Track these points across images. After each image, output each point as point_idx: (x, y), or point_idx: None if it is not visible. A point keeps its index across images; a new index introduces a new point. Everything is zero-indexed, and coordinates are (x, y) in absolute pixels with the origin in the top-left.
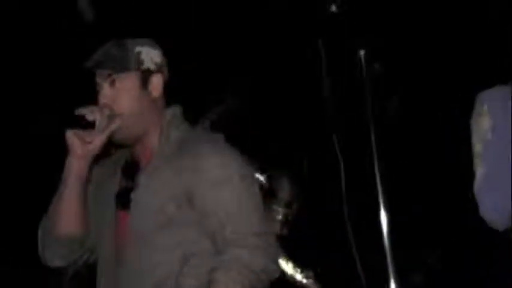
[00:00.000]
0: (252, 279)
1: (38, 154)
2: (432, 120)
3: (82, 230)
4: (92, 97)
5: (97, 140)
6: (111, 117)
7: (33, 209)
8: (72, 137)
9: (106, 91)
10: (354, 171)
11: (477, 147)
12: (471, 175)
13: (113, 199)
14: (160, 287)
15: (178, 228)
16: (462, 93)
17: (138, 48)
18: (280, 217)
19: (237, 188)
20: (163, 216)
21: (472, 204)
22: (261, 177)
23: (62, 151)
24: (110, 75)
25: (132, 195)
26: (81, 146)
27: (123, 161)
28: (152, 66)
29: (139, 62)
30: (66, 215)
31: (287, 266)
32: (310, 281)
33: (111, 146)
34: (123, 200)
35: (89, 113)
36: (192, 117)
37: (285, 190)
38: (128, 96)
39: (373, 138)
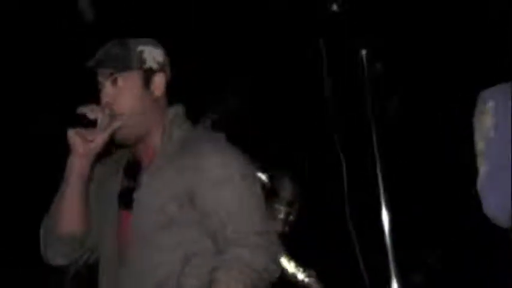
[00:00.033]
0: (254, 278)
1: (38, 154)
2: (433, 120)
3: (84, 229)
4: (92, 97)
5: (99, 139)
6: (113, 115)
7: (32, 209)
8: (74, 135)
9: (108, 90)
10: (356, 171)
11: (480, 145)
12: (472, 174)
13: (115, 198)
14: (161, 287)
15: (179, 228)
16: (463, 92)
17: (140, 48)
18: (282, 216)
19: (238, 187)
20: (164, 216)
21: (474, 202)
22: (263, 177)
23: (62, 151)
24: (111, 74)
25: (135, 195)
26: (83, 145)
27: (125, 160)
28: (155, 66)
29: (142, 61)
30: (68, 213)
31: (289, 265)
32: (312, 280)
33: (112, 145)
34: (126, 199)
35: (91, 111)
36: (192, 117)
37: (286, 189)
38: (130, 95)
39: (374, 138)
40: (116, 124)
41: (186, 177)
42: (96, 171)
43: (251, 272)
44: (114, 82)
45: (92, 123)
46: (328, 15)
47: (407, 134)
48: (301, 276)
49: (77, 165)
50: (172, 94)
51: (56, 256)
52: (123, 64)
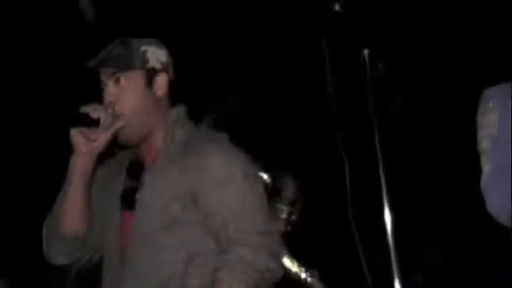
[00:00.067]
0: (256, 278)
1: (38, 154)
2: (435, 120)
3: (86, 228)
4: (92, 97)
5: (102, 138)
6: (116, 115)
7: (32, 209)
8: (76, 135)
9: (111, 89)
10: (358, 171)
11: (484, 143)
12: (475, 175)
13: (118, 199)
14: (164, 287)
15: (182, 228)
16: (465, 93)
17: (143, 47)
18: (284, 216)
19: (240, 187)
20: (167, 217)
21: (477, 203)
22: (265, 176)
23: (63, 151)
24: (114, 73)
25: (137, 196)
26: (85, 144)
27: (127, 160)
28: (157, 66)
29: (145, 61)
30: (71, 212)
31: (291, 265)
32: (315, 279)
33: (115, 146)
34: (129, 200)
35: (93, 110)
36: (192, 117)
37: (289, 189)
38: (133, 94)
39: (376, 138)
40: (119, 123)
41: (189, 177)
42: (99, 173)
43: (253, 272)
44: (117, 81)
45: (94, 123)
46: (330, 15)
47: (410, 133)
48: (303, 275)
49: (80, 164)
50: (173, 94)
51: (58, 255)
52: (125, 63)
